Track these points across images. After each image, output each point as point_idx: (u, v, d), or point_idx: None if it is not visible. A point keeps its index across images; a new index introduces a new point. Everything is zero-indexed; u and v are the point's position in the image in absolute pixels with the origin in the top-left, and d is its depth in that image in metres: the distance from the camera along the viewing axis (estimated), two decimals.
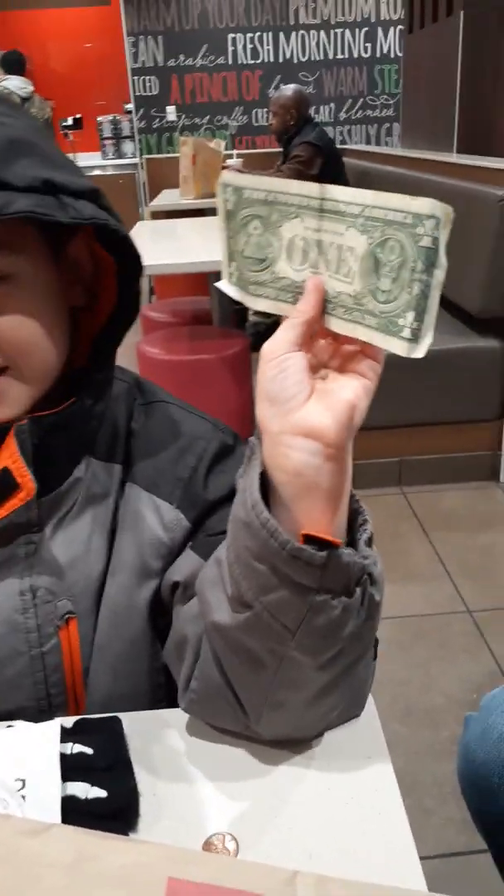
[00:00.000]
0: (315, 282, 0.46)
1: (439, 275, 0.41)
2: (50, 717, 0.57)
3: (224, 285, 0.52)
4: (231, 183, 0.50)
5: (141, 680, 0.65)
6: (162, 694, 0.66)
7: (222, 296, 3.17)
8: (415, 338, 0.43)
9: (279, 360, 0.46)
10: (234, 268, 0.51)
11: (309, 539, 0.46)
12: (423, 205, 0.40)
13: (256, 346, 3.39)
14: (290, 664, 0.50)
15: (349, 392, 0.46)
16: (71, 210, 0.52)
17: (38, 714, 0.60)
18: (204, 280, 3.23)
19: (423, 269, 0.41)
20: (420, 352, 0.43)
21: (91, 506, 0.63)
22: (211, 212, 3.86)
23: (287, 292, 0.48)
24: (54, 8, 5.72)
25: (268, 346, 0.46)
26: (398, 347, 0.43)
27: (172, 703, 0.61)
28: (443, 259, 0.41)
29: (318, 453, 0.45)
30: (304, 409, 0.45)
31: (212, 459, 0.66)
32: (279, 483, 0.47)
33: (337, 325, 0.46)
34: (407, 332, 0.43)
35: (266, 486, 0.48)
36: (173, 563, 0.63)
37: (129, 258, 0.58)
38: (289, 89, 4.12)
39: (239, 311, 4.10)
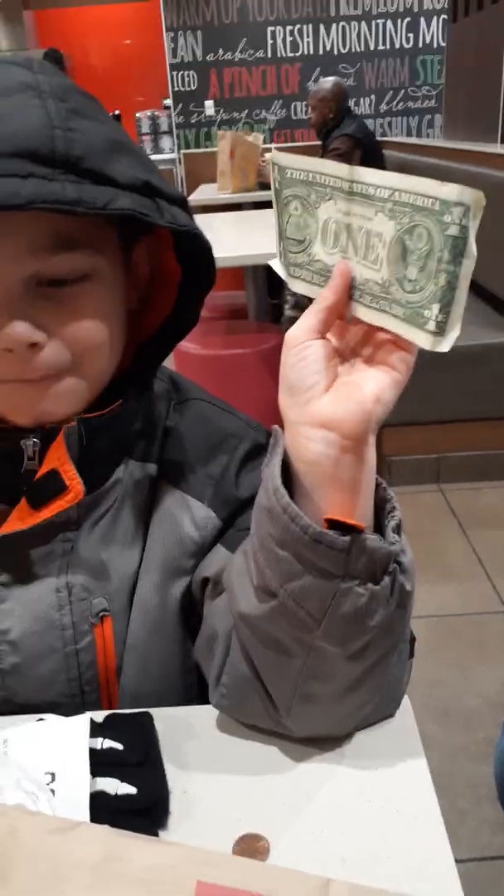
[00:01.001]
0: (341, 267, 0.45)
1: (468, 265, 0.40)
2: (84, 713, 0.56)
3: (275, 263, 0.51)
4: (277, 162, 0.49)
5: (173, 678, 0.65)
6: (194, 693, 0.65)
7: (258, 290, 3.16)
8: (440, 331, 0.41)
9: (300, 348, 0.45)
10: (282, 247, 0.50)
11: (333, 524, 0.45)
12: (451, 191, 0.38)
13: None
14: (319, 654, 0.49)
15: (373, 384, 0.45)
16: (167, 215, 0.51)
17: (72, 710, 0.59)
18: (240, 274, 3.23)
19: (449, 259, 0.39)
20: (445, 346, 0.41)
21: (128, 506, 0.62)
22: (248, 206, 3.85)
23: (321, 276, 0.47)
24: (94, 5, 5.75)
25: (290, 333, 0.46)
26: (423, 340, 0.42)
27: (204, 702, 0.60)
28: (472, 249, 0.39)
29: (335, 444, 0.45)
30: (322, 400, 0.45)
31: (244, 457, 0.66)
32: (299, 472, 0.47)
33: (363, 313, 0.45)
34: (432, 325, 0.41)
35: (289, 474, 0.48)
36: (203, 560, 0.63)
37: (203, 270, 0.57)
38: (328, 82, 4.09)
39: (275, 305, 4.09)
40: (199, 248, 0.55)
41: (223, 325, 2.98)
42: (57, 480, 0.55)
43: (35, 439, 0.56)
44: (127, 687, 0.62)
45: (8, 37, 5.82)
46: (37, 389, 0.54)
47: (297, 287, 0.49)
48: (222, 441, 0.66)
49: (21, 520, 0.56)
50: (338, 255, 0.46)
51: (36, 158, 0.46)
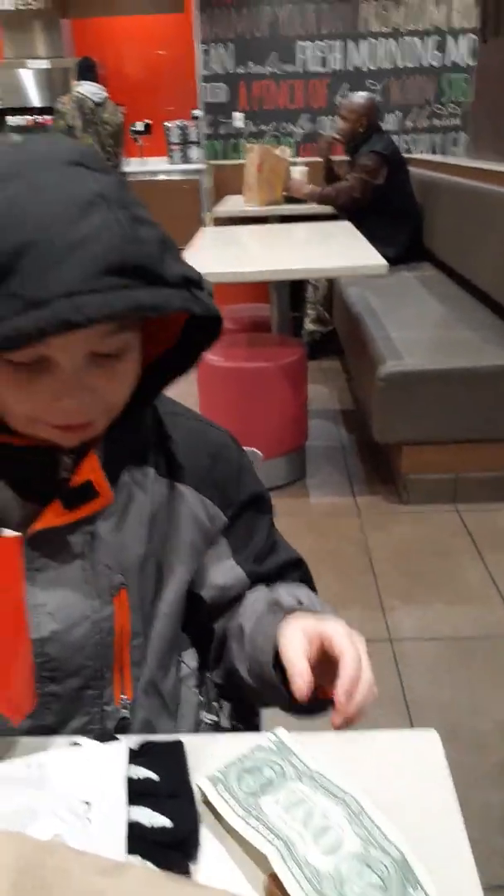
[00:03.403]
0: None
1: None
2: (104, 676, 0.71)
3: (203, 781, 0.57)
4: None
5: (184, 637, 0.83)
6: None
7: (282, 304, 3.18)
8: None
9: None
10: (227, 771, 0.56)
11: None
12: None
13: (312, 354, 3.39)
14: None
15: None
16: (201, 303, 0.60)
17: (94, 673, 0.72)
18: (263, 287, 3.24)
19: None
20: None
21: (135, 501, 0.74)
22: (274, 220, 3.87)
23: (257, 820, 0.51)
24: (129, 15, 5.81)
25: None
26: None
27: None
28: None
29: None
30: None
31: (238, 467, 0.83)
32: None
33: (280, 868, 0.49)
34: None
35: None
36: (218, 568, 0.81)
37: (208, 329, 0.66)
38: (361, 96, 4.07)
39: (296, 318, 4.10)
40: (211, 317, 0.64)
41: (246, 338, 2.99)
42: (90, 489, 0.68)
43: (71, 456, 0.68)
44: (158, 648, 0.76)
45: (45, 44, 5.89)
46: (74, 432, 0.65)
47: (220, 806, 0.53)
48: (218, 452, 0.82)
49: (56, 518, 0.68)
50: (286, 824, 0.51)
51: (117, 271, 0.54)
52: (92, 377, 0.61)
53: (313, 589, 0.89)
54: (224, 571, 0.82)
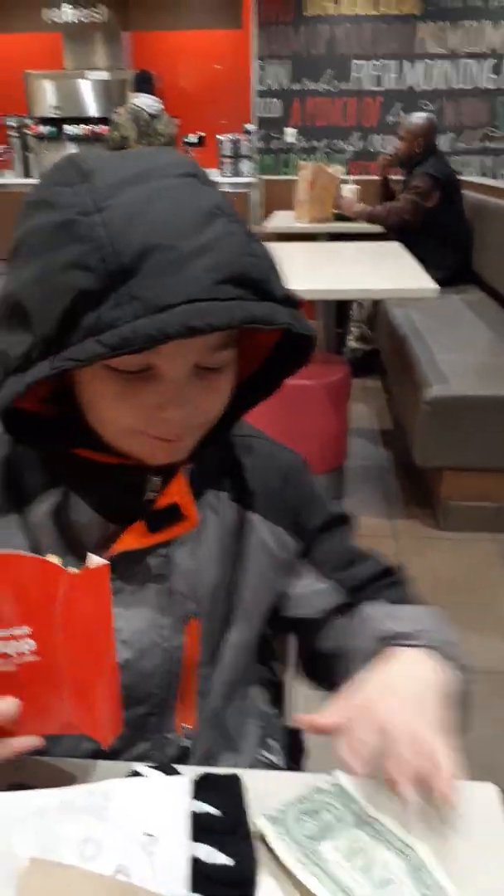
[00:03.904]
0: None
1: None
2: (169, 706, 0.71)
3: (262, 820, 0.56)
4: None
5: (251, 666, 0.80)
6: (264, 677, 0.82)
7: (328, 323, 3.18)
8: None
9: None
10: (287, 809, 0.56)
11: None
12: None
13: (354, 372, 3.38)
14: None
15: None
16: (302, 323, 0.60)
17: (160, 700, 0.71)
18: (309, 304, 3.24)
19: None
20: None
21: (210, 527, 0.73)
22: (323, 238, 3.87)
23: (316, 866, 0.51)
24: (188, 30, 5.88)
25: None
26: None
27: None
28: None
29: None
30: None
31: (309, 491, 0.80)
32: None
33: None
34: None
35: None
36: (306, 596, 0.78)
37: (300, 348, 0.65)
38: (420, 117, 4.04)
39: (339, 334, 4.09)
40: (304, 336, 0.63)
41: None
42: (176, 512, 0.67)
43: (159, 477, 0.67)
44: (224, 679, 0.74)
45: (105, 56, 5.99)
46: (171, 445, 0.63)
47: (279, 848, 0.52)
48: (288, 474, 0.79)
49: (138, 540, 0.67)
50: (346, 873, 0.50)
51: (235, 282, 0.54)
52: (193, 389, 0.60)
53: (413, 596, 0.82)
54: (312, 594, 0.78)
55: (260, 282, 0.56)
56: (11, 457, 0.71)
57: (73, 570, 0.49)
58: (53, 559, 0.52)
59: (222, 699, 0.75)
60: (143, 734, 0.71)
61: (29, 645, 0.48)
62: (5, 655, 0.48)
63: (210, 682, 0.74)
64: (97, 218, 0.53)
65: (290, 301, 0.59)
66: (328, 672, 0.77)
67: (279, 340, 0.66)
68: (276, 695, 0.87)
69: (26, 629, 0.48)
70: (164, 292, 0.51)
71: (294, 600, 0.79)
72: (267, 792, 0.57)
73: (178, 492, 0.67)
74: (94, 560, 0.50)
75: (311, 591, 0.78)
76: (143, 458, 0.65)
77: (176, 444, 0.64)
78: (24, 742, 0.52)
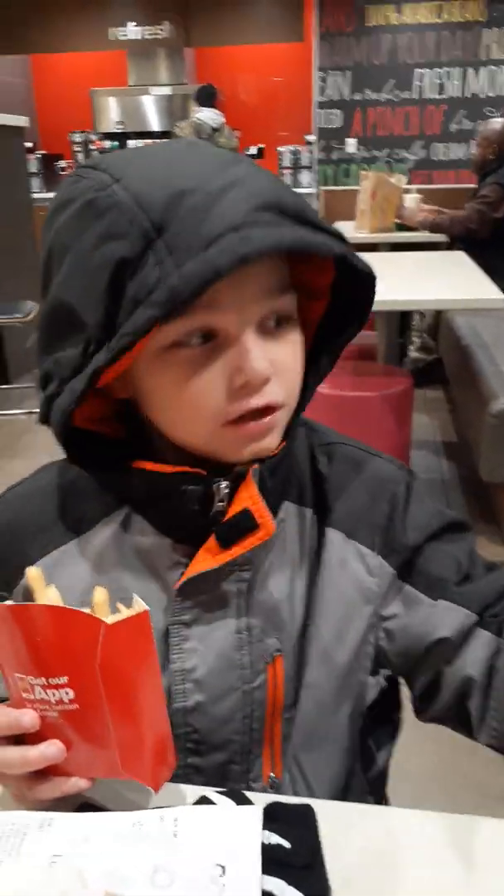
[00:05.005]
0: None
1: None
2: (251, 751, 0.64)
3: None
4: None
5: (343, 718, 0.67)
6: (357, 727, 0.69)
7: (390, 334, 3.13)
8: None
9: None
10: None
11: None
12: None
13: (416, 382, 3.32)
14: None
15: None
16: (357, 259, 0.55)
17: (242, 748, 0.64)
18: (371, 315, 3.21)
19: None
20: None
21: (290, 547, 0.65)
22: (385, 248, 3.83)
23: None
24: (250, 44, 5.94)
25: None
26: None
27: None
28: None
29: None
30: None
31: (404, 504, 0.67)
32: None
33: None
34: None
35: None
36: (430, 620, 0.64)
37: (358, 307, 0.60)
38: (497, 122, 3.90)
39: (400, 345, 4.03)
40: (358, 287, 0.58)
41: (350, 366, 2.96)
42: (248, 519, 0.58)
43: (226, 482, 0.58)
44: (302, 725, 0.65)
45: (168, 71, 6.11)
46: (259, 426, 0.56)
47: None
48: (380, 487, 0.67)
49: (211, 558, 0.59)
50: None
51: (273, 208, 0.50)
52: (265, 346, 0.54)
53: None
54: (426, 617, 0.64)
55: (299, 211, 0.51)
56: (64, 485, 0.66)
57: (113, 616, 0.48)
58: (100, 593, 0.51)
59: (301, 745, 0.66)
60: (225, 783, 0.64)
61: (68, 694, 0.47)
62: (47, 702, 0.48)
63: (306, 714, 0.65)
64: (116, 187, 0.50)
65: (339, 235, 0.54)
66: (466, 709, 0.63)
67: (327, 310, 0.61)
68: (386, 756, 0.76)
69: (65, 678, 0.47)
70: (202, 230, 0.48)
71: (403, 630, 0.66)
72: (342, 826, 0.55)
73: (248, 497, 0.58)
74: (138, 603, 0.49)
75: (426, 615, 0.64)
76: (228, 455, 0.57)
77: (266, 425, 0.56)
78: (72, 785, 0.50)
